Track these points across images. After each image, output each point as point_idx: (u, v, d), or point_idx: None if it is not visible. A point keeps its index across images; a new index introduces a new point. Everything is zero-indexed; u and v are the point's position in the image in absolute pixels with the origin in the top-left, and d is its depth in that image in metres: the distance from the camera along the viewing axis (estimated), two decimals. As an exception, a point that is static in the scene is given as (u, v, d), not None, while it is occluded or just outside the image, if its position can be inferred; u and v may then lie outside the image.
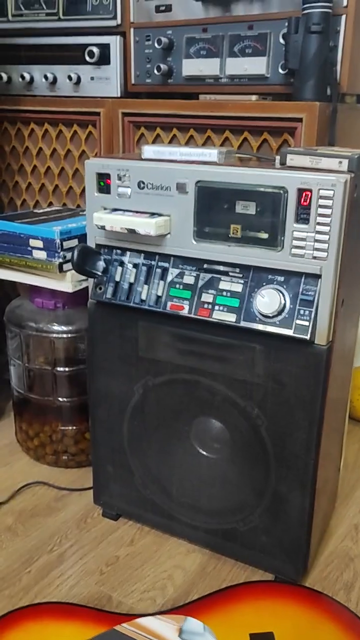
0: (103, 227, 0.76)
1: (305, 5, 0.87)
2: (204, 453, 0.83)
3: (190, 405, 0.82)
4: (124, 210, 0.77)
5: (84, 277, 0.93)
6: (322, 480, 0.80)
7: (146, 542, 0.90)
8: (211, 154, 0.73)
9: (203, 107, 0.97)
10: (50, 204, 1.19)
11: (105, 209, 0.78)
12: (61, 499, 0.99)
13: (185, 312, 0.76)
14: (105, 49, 1.10)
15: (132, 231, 0.74)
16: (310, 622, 0.67)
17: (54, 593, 0.80)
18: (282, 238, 0.69)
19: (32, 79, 1.17)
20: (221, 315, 0.73)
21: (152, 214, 0.75)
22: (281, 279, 0.71)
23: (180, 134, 1.01)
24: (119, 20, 1.07)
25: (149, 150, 0.76)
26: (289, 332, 0.70)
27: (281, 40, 0.93)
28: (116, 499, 0.92)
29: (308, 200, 0.66)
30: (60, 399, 1.02)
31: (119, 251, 0.80)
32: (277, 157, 0.74)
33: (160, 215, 0.74)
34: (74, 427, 1.03)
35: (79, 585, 0.82)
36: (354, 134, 1.02)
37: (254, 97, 0.95)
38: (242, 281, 0.73)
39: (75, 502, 0.98)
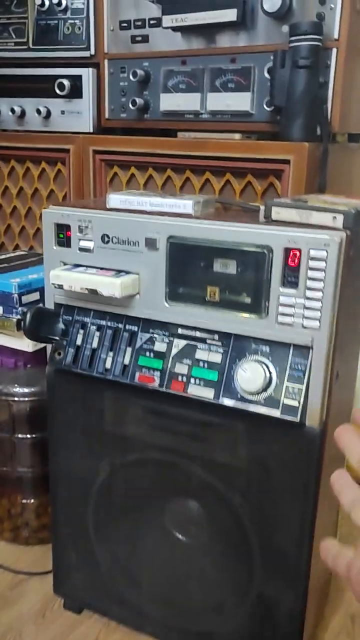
0: (61, 287, 0.66)
1: (293, 38, 0.78)
2: (180, 540, 0.72)
3: (164, 488, 0.71)
4: (86, 267, 0.67)
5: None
6: (315, 576, 0.69)
7: (113, 641, 0.78)
8: (186, 205, 0.64)
9: (182, 146, 0.88)
10: (17, 247, 1.09)
11: (65, 264, 0.68)
12: (17, 585, 0.87)
13: (155, 385, 0.65)
14: (77, 81, 1.01)
15: (94, 292, 0.64)
16: None
17: None
18: (267, 303, 0.59)
19: (-2, 112, 1.08)
20: (197, 391, 0.63)
21: (118, 272, 0.65)
22: (266, 349, 0.61)
23: (157, 175, 0.92)
24: (92, 51, 0.98)
25: (115, 199, 0.66)
26: (275, 412, 0.60)
27: (266, 75, 0.84)
28: (79, 589, 0.80)
29: (297, 261, 0.57)
30: (20, 468, 0.91)
31: (80, 312, 0.69)
32: (261, 210, 0.64)
33: (127, 273, 0.65)
34: (36, 500, 0.92)
35: None
36: (346, 176, 0.93)
37: (237, 136, 0.86)
38: (222, 350, 0.63)
39: (34, 590, 0.86)
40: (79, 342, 0.69)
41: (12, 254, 0.98)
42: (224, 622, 0.70)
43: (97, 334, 0.69)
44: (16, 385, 0.88)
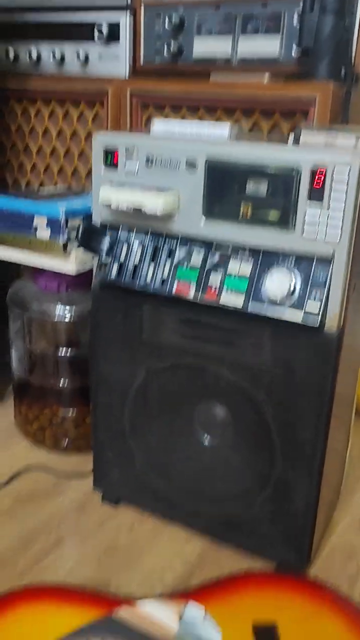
0: (109, 205, 0.74)
1: (322, -18, 0.84)
2: (207, 439, 0.81)
3: (194, 391, 0.80)
4: (132, 185, 0.75)
5: (88, 259, 0.92)
6: (328, 471, 0.78)
7: (146, 528, 0.89)
8: (222, 130, 0.71)
9: (213, 87, 0.94)
10: (56, 185, 1.17)
11: (111, 183, 0.76)
12: (60, 484, 0.98)
13: (191, 295, 0.74)
14: (114, 26, 1.07)
15: (138, 209, 0.72)
16: (314, 614, 0.65)
17: (51, 578, 0.79)
18: (294, 219, 0.67)
19: (39, 57, 1.15)
20: (228, 299, 0.71)
21: (160, 192, 0.72)
22: (292, 261, 0.69)
23: (190, 115, 0.99)
24: (129, -3, 1.04)
25: (158, 124, 0.74)
26: (298, 318, 0.68)
27: (295, 19, 0.90)
28: (116, 484, 0.91)
29: (322, 180, 0.64)
30: (61, 382, 1.00)
31: (124, 230, 0.77)
32: (291, 135, 0.71)
33: (168, 192, 0.72)
34: (75, 411, 1.02)
35: (76, 570, 0.80)
36: (367, 118, 0.99)
37: (266, 77, 0.93)
38: (252, 263, 0.71)
39: (74, 488, 0.97)
40: (122, 258, 0.78)
41: (54, 189, 1.06)
42: (246, 507, 0.80)
43: (139, 250, 0.77)
44: (59, 305, 0.97)
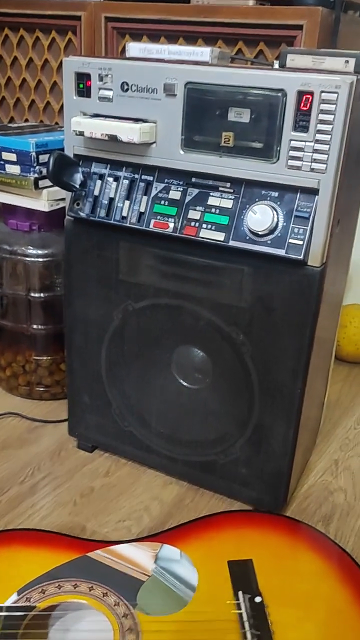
0: (82, 134, 0.69)
1: None
2: (186, 382, 0.79)
3: (173, 332, 0.77)
4: (106, 116, 0.70)
5: (60, 197, 0.87)
6: (306, 414, 0.77)
7: (122, 473, 0.87)
8: (203, 52, 0.66)
9: (194, 12, 0.88)
10: (26, 122, 1.10)
11: (84, 114, 0.71)
12: (34, 430, 0.95)
13: (169, 230, 0.70)
14: None
15: (113, 138, 0.67)
16: (290, 549, 0.65)
17: (26, 523, 0.77)
18: (278, 148, 0.63)
19: (6, -21, 1.06)
20: (209, 234, 0.68)
21: (137, 120, 0.68)
22: (275, 194, 0.65)
23: (169, 43, 0.93)
24: None
25: (134, 48, 0.68)
26: (281, 252, 0.65)
27: None
28: (92, 430, 0.89)
29: (309, 105, 0.60)
30: (34, 326, 0.97)
31: (98, 163, 0.73)
32: (276, 62, 0.67)
33: (145, 121, 0.68)
34: (49, 358, 0.99)
35: (52, 515, 0.79)
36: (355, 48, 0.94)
37: (250, 1, 0.87)
38: (233, 197, 0.67)
39: (49, 434, 0.95)
40: (96, 192, 0.73)
41: (24, 124, 1.00)
42: (224, 451, 0.79)
43: (114, 184, 0.72)
44: (30, 247, 0.92)
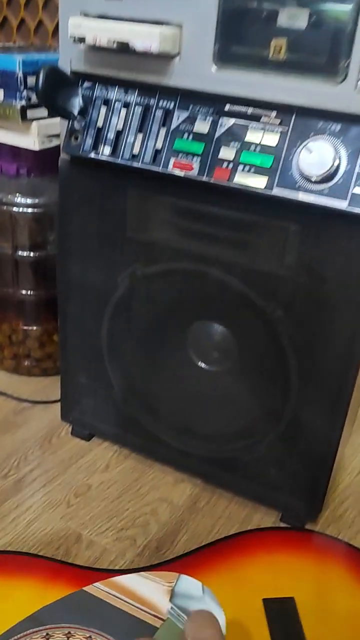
0: (82, 40, 0.52)
1: None
2: (204, 364, 0.65)
3: (191, 304, 0.63)
4: (115, 19, 0.53)
5: (54, 133, 0.71)
6: (351, 408, 0.63)
7: (125, 468, 0.74)
8: None
9: None
10: (14, 44, 0.93)
11: (86, 15, 0.54)
12: (21, 412, 0.82)
13: (194, 173, 0.54)
14: None
15: (124, 47, 0.51)
16: (343, 582, 0.52)
17: (8, 529, 0.64)
18: (347, 63, 0.47)
19: None
20: (246, 179, 0.53)
21: (155, 23, 0.51)
22: (337, 127, 0.50)
23: None
24: None
25: None
26: (342, 204, 0.50)
27: None
28: (89, 415, 0.75)
29: (395, 1, 0.44)
30: (22, 291, 0.82)
31: (103, 84, 0.57)
32: None
33: (167, 24, 0.51)
34: (40, 327, 0.84)
35: (40, 519, 0.66)
36: None
37: None
38: (280, 130, 0.51)
39: (39, 417, 0.81)
40: (100, 122, 0.57)
41: (12, 44, 0.83)
42: (249, 447, 0.65)
43: (123, 112, 0.56)
44: (18, 194, 0.77)
